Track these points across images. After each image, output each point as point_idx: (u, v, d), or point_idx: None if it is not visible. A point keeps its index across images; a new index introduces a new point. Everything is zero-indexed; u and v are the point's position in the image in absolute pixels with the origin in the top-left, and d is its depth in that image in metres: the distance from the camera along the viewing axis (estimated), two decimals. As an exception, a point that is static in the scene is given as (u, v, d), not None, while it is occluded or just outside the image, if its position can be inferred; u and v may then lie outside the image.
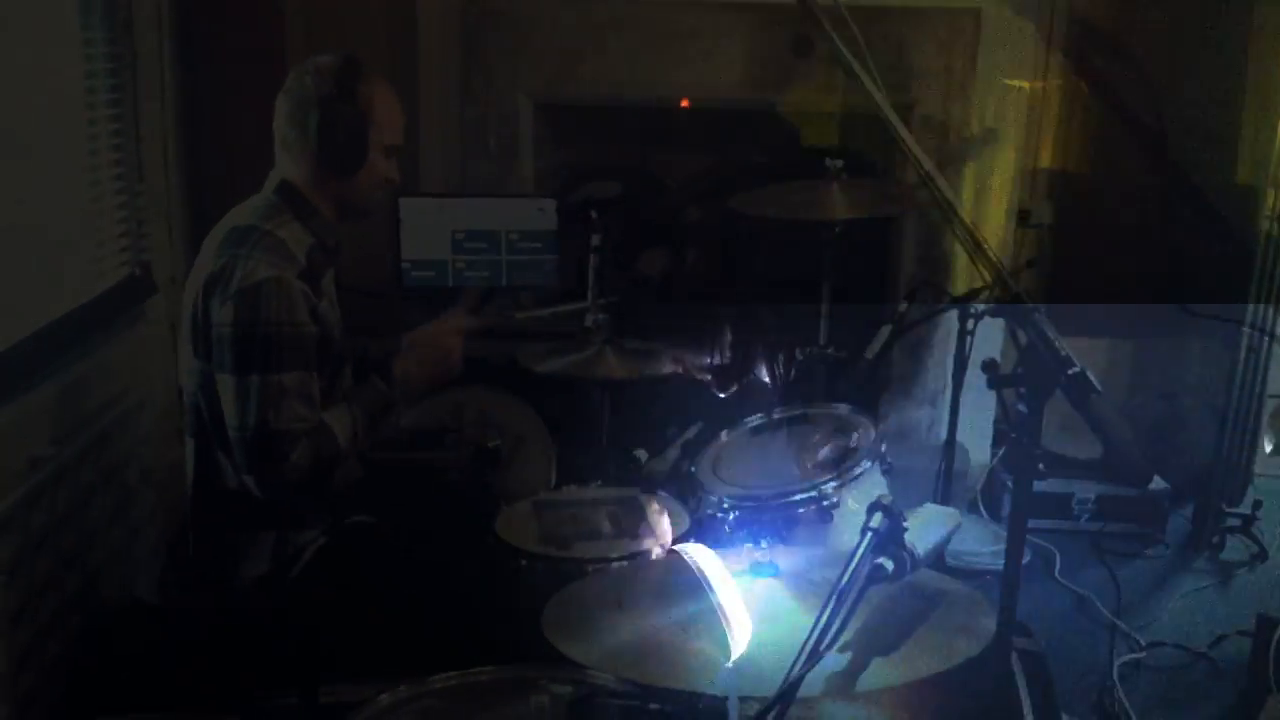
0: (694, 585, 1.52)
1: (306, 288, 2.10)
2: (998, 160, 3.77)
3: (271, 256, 2.07)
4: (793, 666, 1.17)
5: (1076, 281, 3.93)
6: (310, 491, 2.14)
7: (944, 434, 3.23)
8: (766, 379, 3.53)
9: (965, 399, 3.08)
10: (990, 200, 3.75)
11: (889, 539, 1.27)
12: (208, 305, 2.07)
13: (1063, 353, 1.31)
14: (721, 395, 3.12)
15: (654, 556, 2.17)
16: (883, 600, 1.35)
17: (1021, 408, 1.35)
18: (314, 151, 2.16)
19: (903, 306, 2.81)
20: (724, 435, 2.73)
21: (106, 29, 2.72)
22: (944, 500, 3.17)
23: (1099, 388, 1.29)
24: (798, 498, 2.40)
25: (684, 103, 3.83)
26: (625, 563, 2.20)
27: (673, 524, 2.37)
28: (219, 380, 2.07)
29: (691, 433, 2.82)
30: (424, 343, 2.35)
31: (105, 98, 2.73)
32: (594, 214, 2.91)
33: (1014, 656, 2.00)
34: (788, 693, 1.17)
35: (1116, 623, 3.12)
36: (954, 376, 3.00)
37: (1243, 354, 3.52)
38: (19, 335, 2.30)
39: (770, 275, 4.17)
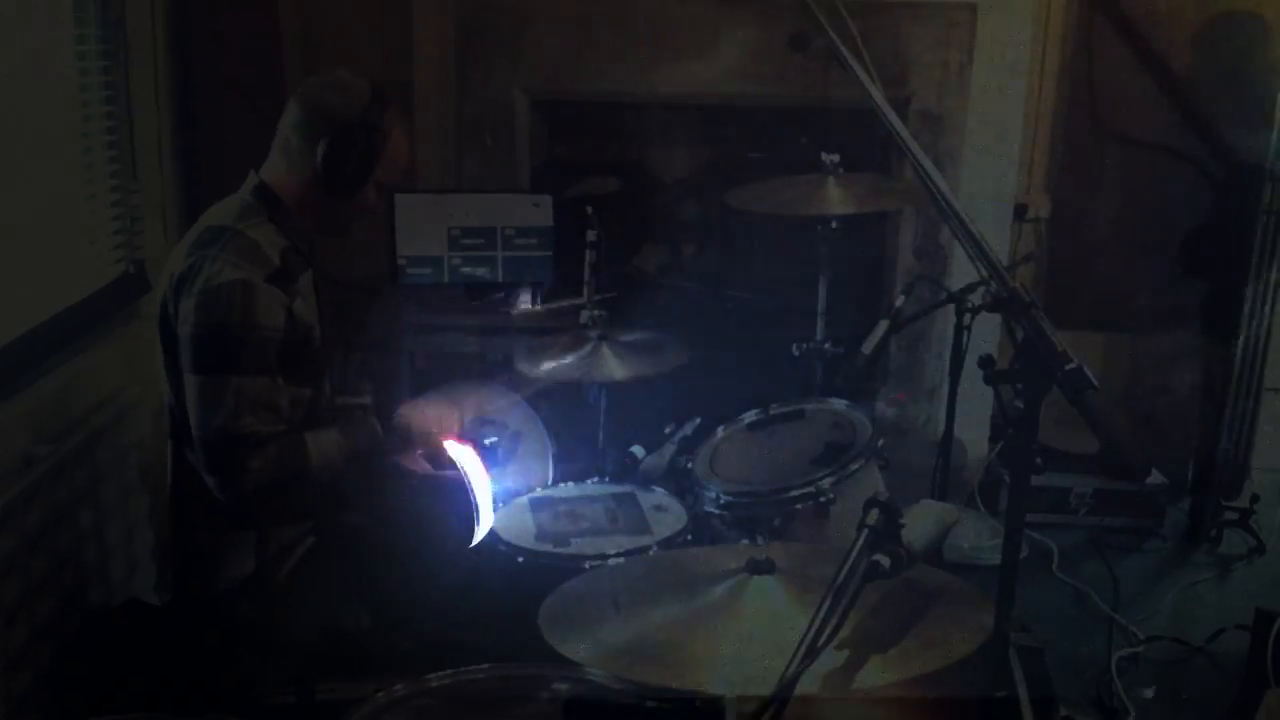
0: (693, 583, 1.52)
1: (279, 289, 2.06)
2: (994, 154, 3.76)
3: (239, 258, 2.04)
4: (790, 664, 1.17)
5: (1073, 276, 3.93)
6: (267, 502, 2.09)
7: (941, 429, 3.22)
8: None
9: (962, 394, 3.07)
10: (987, 194, 3.74)
11: (885, 535, 1.26)
12: (176, 303, 2.06)
13: (1059, 348, 1.30)
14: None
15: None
16: (880, 597, 1.34)
17: (1018, 403, 1.35)
18: (316, 168, 2.13)
19: (899, 301, 2.81)
20: (720, 431, 2.73)
21: (100, 25, 2.71)
22: (941, 495, 3.16)
23: (1095, 383, 1.29)
24: (794, 493, 2.40)
25: None
26: (623, 560, 2.20)
27: (670, 520, 2.37)
28: (185, 380, 2.06)
29: (688, 429, 2.82)
30: (423, 416, 2.31)
31: (99, 94, 2.71)
32: (590, 210, 2.91)
33: (1012, 651, 2.00)
34: (784, 690, 1.16)
35: (1115, 617, 3.12)
36: (951, 372, 3.00)
37: (1240, 347, 3.52)
38: (13, 333, 2.29)
39: (767, 271, 4.16)
